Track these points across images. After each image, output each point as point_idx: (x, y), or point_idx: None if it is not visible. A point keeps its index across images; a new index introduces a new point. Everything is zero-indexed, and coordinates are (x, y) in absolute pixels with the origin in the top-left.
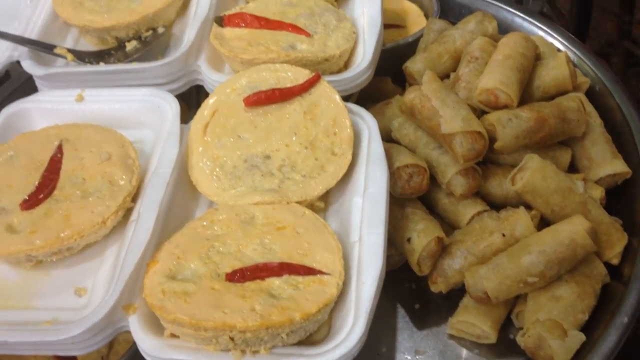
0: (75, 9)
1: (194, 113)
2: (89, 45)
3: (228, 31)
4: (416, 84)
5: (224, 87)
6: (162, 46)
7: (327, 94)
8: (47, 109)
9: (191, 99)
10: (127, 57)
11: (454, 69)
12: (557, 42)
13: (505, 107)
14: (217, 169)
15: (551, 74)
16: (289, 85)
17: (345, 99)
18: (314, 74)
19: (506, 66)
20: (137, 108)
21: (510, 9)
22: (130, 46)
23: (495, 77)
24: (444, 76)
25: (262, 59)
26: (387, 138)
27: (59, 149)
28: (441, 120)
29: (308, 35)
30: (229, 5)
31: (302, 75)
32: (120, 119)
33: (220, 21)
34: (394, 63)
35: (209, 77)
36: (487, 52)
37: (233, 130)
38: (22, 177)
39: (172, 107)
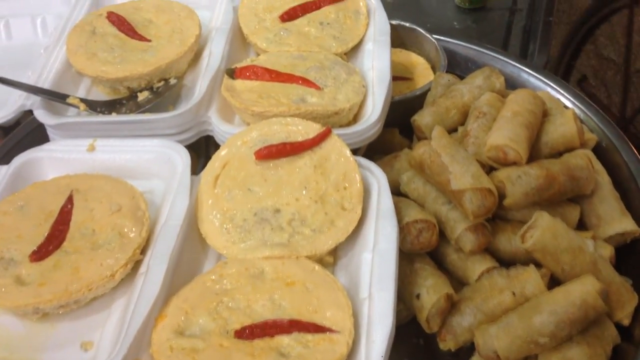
0: (89, 60)
1: (203, 163)
2: (101, 94)
3: (239, 83)
4: (424, 137)
5: (235, 139)
6: (173, 96)
7: (337, 148)
8: (59, 159)
9: (200, 148)
10: (138, 108)
11: (462, 123)
12: (563, 97)
13: (514, 163)
14: (227, 222)
15: (559, 130)
16: (299, 139)
17: (354, 151)
18: (324, 128)
19: (515, 123)
20: (148, 159)
21: (517, 64)
22: (142, 96)
23: (504, 134)
24: (451, 130)
25: (272, 111)
26: (396, 191)
27: (70, 199)
28: (451, 176)
29: (318, 88)
30: (240, 58)
31: (312, 129)
32: (131, 169)
33: (232, 73)
34: (402, 115)
35: (219, 128)
36: (495, 107)
37: (243, 183)
38: (32, 227)
39: (182, 159)
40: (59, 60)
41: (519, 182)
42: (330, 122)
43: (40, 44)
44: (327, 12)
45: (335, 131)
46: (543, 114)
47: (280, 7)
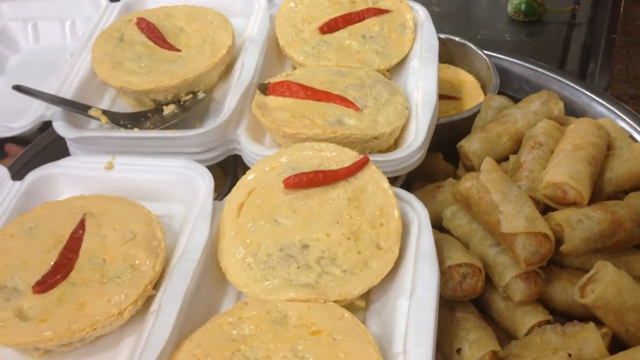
0: (115, 69)
1: (230, 184)
2: (125, 105)
3: (271, 100)
4: (471, 165)
5: (263, 164)
6: (201, 111)
7: (375, 180)
8: (75, 176)
9: (228, 167)
10: (163, 122)
11: (514, 151)
12: (626, 125)
13: (574, 204)
14: (250, 257)
15: (625, 166)
16: (333, 166)
17: (393, 179)
18: (362, 156)
19: (576, 158)
20: (168, 180)
21: (576, 86)
22: (168, 110)
23: (563, 170)
24: (502, 159)
25: (306, 134)
26: (437, 224)
27: (82, 224)
28: (501, 217)
29: (357, 109)
30: (275, 71)
31: (348, 156)
32: (150, 190)
33: (265, 89)
34: (447, 139)
35: (247, 148)
36: (553, 137)
37: (270, 214)
38: (39, 253)
39: (205, 183)
40: (84, 68)
41: (580, 226)
42: (369, 147)
43: (68, 48)
44: (371, 24)
45: (373, 157)
46: (607, 147)
47: (321, 18)
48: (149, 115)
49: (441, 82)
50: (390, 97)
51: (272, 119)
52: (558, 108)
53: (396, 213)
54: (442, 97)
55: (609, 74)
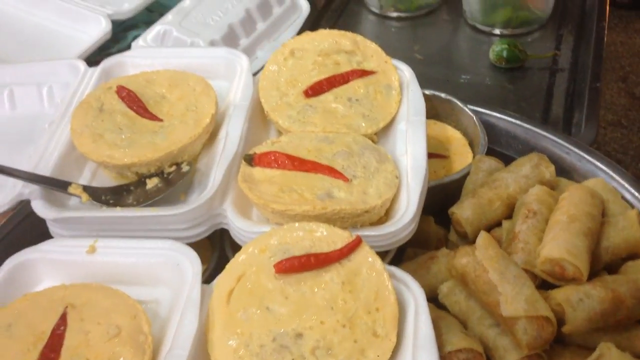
0: (95, 142)
1: (217, 257)
2: (107, 178)
3: (258, 172)
4: (463, 232)
5: (253, 246)
6: (186, 183)
7: (368, 262)
8: (55, 261)
9: (214, 238)
10: (147, 197)
11: (507, 216)
12: (617, 185)
13: (573, 279)
14: (242, 349)
15: (621, 235)
16: (325, 248)
17: (383, 253)
18: (354, 237)
19: (572, 231)
20: (153, 264)
21: (564, 143)
22: (151, 184)
23: (560, 245)
24: (495, 224)
25: (295, 210)
26: (432, 297)
27: (63, 318)
28: (500, 298)
29: (346, 180)
30: (261, 138)
31: (340, 237)
32: (135, 274)
33: (250, 160)
34: (438, 201)
35: (235, 224)
36: (546, 204)
37: (261, 301)
38: (19, 353)
39: (193, 266)
40: (63, 141)
41: (581, 306)
42: (360, 222)
43: (46, 114)
44: (356, 86)
45: (364, 232)
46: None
47: (305, 80)
48: (132, 188)
49: (429, 140)
50: (380, 165)
51: (260, 193)
52: (549, 172)
53: (392, 297)
54: (430, 155)
55: (595, 125)
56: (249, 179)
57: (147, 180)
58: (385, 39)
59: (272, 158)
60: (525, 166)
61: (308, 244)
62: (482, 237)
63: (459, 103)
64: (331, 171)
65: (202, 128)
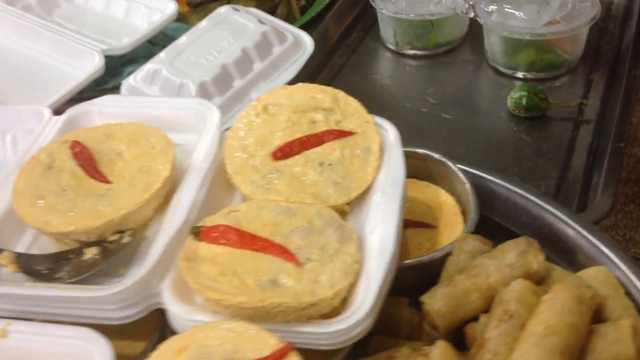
0: (33, 206)
1: (157, 338)
2: (48, 242)
3: (204, 248)
4: (435, 325)
5: (171, 345)
6: (128, 254)
7: None
8: None
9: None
10: (83, 269)
11: (485, 310)
12: (622, 275)
13: None
14: None
15: (611, 350)
16: (250, 355)
17: (335, 352)
18: (282, 345)
19: (547, 347)
20: (67, 353)
21: (570, 222)
22: (89, 254)
23: None
24: (471, 318)
25: (229, 301)
26: None
27: None
28: None
29: (298, 264)
30: (224, 204)
31: (267, 345)
32: None
33: (197, 233)
34: (416, 281)
35: (170, 308)
36: (527, 305)
37: None
38: None
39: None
40: (3, 199)
41: None
42: (305, 315)
43: (9, 163)
44: (331, 149)
45: (306, 328)
46: (596, 311)
47: (275, 140)
48: (71, 257)
49: (418, 205)
50: (341, 247)
51: (198, 275)
52: (537, 261)
53: None
54: (416, 224)
55: (612, 194)
56: (193, 256)
57: (86, 250)
58: (398, 78)
59: (221, 232)
60: (510, 253)
61: (231, 349)
62: (439, 348)
63: (452, 166)
64: (282, 252)
65: (150, 194)
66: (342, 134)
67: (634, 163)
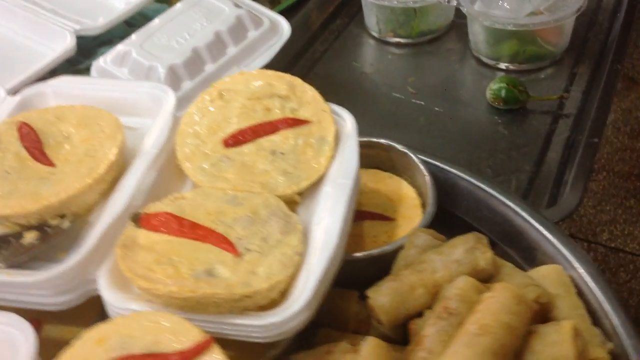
0: None
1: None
2: None
3: (143, 235)
4: (379, 319)
5: (91, 334)
6: (71, 238)
7: None
8: None
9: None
10: (21, 252)
11: (431, 306)
12: (577, 276)
13: None
14: None
15: (550, 352)
16: (171, 347)
17: (272, 344)
18: (204, 337)
19: (477, 347)
20: None
21: (530, 219)
22: (28, 238)
23: None
24: (415, 314)
25: (160, 290)
26: None
27: None
28: None
29: (236, 254)
30: (172, 190)
31: (189, 336)
32: None
33: (137, 220)
34: (367, 274)
35: (104, 296)
36: (468, 303)
37: None
38: None
39: (28, 345)
40: None
41: None
42: (241, 306)
43: None
44: (284, 137)
45: (240, 320)
46: (544, 310)
47: (228, 127)
48: (11, 240)
49: (379, 196)
50: (283, 238)
51: (133, 263)
52: (484, 258)
53: None
54: (374, 216)
55: (580, 190)
56: (130, 243)
57: (25, 234)
58: (380, 66)
59: (160, 220)
60: (458, 249)
61: (151, 340)
62: (369, 344)
63: (413, 157)
64: (221, 242)
65: (92, 178)
66: (296, 123)
67: (637, 157)
